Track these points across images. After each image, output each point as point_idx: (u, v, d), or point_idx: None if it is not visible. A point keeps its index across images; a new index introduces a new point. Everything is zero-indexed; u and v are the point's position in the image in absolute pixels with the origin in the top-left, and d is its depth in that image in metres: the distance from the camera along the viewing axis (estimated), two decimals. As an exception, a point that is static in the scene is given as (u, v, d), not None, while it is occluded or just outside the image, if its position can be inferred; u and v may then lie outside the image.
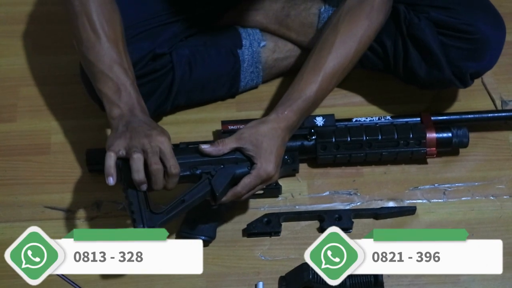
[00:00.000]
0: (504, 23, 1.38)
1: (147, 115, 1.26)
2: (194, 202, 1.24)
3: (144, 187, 1.20)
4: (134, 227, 1.19)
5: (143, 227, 1.18)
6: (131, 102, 1.25)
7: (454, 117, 1.46)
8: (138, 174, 1.19)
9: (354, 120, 1.45)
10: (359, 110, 1.52)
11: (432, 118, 1.44)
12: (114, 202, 1.41)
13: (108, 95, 1.25)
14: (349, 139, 1.40)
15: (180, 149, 1.30)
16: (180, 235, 1.36)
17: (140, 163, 1.19)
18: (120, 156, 1.20)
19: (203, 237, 1.34)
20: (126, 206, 1.22)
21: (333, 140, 1.41)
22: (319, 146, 1.41)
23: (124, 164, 1.20)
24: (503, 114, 1.48)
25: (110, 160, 1.19)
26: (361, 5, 1.31)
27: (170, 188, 1.22)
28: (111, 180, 1.19)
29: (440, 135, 1.41)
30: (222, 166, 1.26)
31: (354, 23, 1.31)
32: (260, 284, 1.32)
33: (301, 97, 1.29)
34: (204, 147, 1.26)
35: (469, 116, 1.46)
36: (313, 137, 1.41)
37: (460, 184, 1.43)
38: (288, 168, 1.41)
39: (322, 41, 1.32)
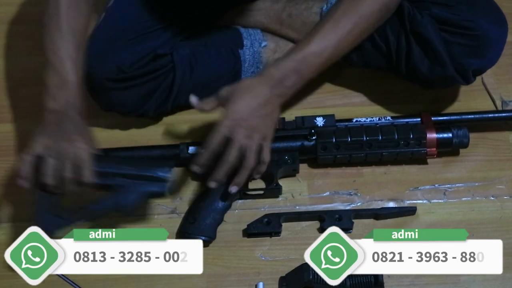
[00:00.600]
0: (506, 20, 1.38)
1: (81, 118, 1.26)
2: (98, 212, 1.27)
3: (50, 190, 1.22)
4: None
5: (43, 229, 1.19)
6: (70, 101, 1.25)
7: (454, 117, 1.46)
8: (45, 178, 1.21)
9: (354, 120, 1.45)
10: (359, 111, 1.52)
11: (432, 118, 1.44)
12: (114, 202, 1.41)
13: (50, 87, 1.26)
14: (349, 139, 1.40)
15: (101, 157, 1.29)
16: (180, 235, 1.36)
17: (50, 167, 1.21)
18: (37, 154, 1.22)
19: (203, 237, 1.34)
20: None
21: (334, 140, 1.40)
22: (320, 146, 1.41)
23: (40, 163, 1.22)
24: (503, 114, 1.47)
25: (25, 164, 1.21)
26: None
27: (81, 194, 1.24)
28: (24, 183, 1.22)
29: (441, 135, 1.41)
30: (134, 182, 1.26)
31: None
32: (260, 285, 1.32)
33: (288, 56, 1.28)
34: (193, 99, 1.30)
35: (469, 116, 1.46)
36: (314, 138, 1.41)
37: (460, 184, 1.43)
38: (288, 168, 1.41)
39: (323, 18, 1.31)
